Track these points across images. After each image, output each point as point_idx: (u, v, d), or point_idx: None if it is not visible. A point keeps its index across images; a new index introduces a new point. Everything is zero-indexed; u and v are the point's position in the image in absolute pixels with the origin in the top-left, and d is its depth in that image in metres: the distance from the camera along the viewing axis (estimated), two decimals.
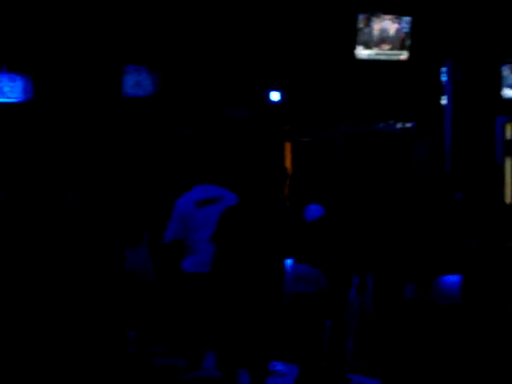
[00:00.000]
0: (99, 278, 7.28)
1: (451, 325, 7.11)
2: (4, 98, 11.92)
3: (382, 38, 9.14)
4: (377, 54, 9.17)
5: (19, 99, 11.87)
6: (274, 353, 8.14)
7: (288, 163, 12.03)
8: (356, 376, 7.74)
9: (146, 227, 8.37)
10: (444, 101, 10.03)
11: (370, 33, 9.07)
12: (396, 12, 9.16)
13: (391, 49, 9.21)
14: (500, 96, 9.89)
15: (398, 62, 9.33)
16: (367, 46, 9.09)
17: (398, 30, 9.19)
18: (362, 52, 9.12)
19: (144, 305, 8.22)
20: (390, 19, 9.15)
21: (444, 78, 10.04)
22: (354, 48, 9.06)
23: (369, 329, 7.72)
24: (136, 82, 10.22)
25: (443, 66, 9.97)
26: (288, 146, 12.09)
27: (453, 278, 7.35)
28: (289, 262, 8.03)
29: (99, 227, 7.36)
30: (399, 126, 10.96)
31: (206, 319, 7.76)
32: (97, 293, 7.29)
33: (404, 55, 9.28)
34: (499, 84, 9.84)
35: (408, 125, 10.90)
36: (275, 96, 11.28)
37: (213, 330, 7.66)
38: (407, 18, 9.21)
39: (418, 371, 7.34)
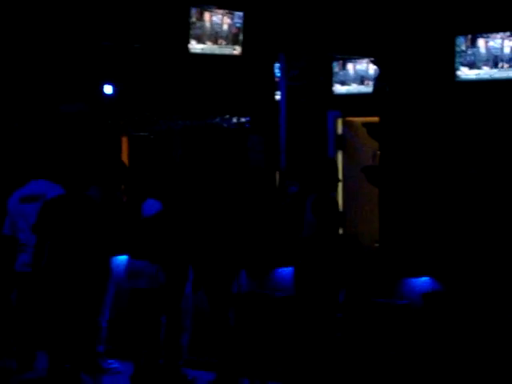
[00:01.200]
0: None
1: (285, 316, 7.24)
2: None
3: (215, 33, 9.17)
4: (210, 49, 9.18)
5: None
6: (109, 350, 8.07)
7: (125, 158, 11.89)
8: (192, 370, 7.76)
9: None
10: (278, 96, 10.16)
11: (203, 27, 9.08)
12: (229, 7, 9.21)
13: (224, 44, 9.25)
14: (331, 91, 10.12)
15: (232, 56, 9.38)
16: (200, 40, 9.09)
17: (230, 25, 9.24)
18: (195, 46, 9.10)
19: None
20: (222, 14, 9.18)
21: (278, 73, 10.18)
22: (187, 42, 9.04)
23: (204, 322, 7.74)
24: None
25: (277, 62, 10.11)
26: (124, 141, 11.95)
27: (286, 270, 7.49)
28: (125, 257, 7.95)
29: None
30: (235, 120, 11.04)
31: (37, 319, 7.59)
32: None
33: (237, 50, 9.34)
34: (330, 80, 10.07)
35: (243, 119, 11.00)
36: (108, 89, 11.12)
37: (43, 330, 7.50)
38: (239, 13, 9.28)
39: (252, 362, 7.43)
